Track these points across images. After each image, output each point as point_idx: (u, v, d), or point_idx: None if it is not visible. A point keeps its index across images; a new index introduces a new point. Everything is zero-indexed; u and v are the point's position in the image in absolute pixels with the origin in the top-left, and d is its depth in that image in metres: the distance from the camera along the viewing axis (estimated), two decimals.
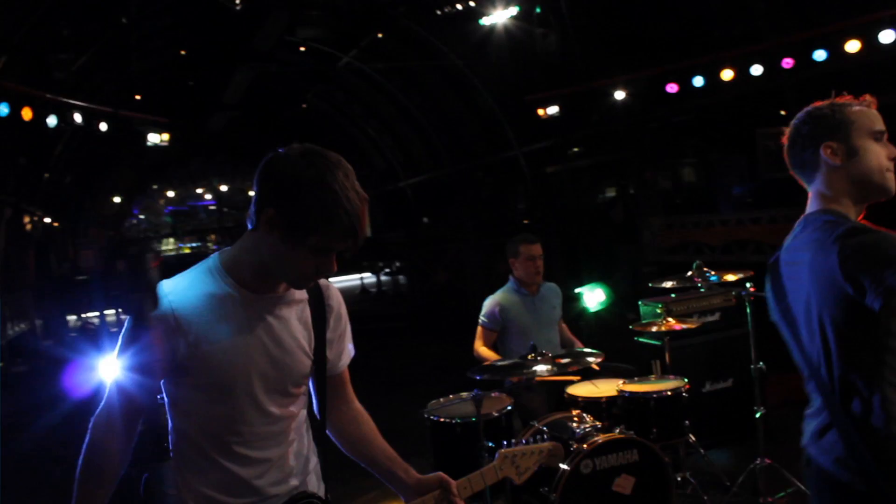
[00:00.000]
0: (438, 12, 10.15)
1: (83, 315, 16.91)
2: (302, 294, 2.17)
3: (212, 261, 2.11)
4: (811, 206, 2.32)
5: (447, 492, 2.33)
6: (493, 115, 14.76)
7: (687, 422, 4.65)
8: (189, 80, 16.90)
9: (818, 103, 2.35)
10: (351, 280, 20.31)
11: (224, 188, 24.98)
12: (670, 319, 5.34)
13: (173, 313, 1.99)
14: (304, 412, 2.26)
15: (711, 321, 6.32)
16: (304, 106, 19.91)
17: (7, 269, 13.01)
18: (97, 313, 16.78)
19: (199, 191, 24.12)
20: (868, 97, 2.31)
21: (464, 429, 4.61)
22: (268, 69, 15.28)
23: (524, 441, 3.20)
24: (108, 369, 5.20)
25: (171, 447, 2.17)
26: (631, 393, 4.67)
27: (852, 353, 2.10)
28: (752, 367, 4.84)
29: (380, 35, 14.59)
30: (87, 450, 2.04)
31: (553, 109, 9.79)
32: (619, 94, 9.42)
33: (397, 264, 18.26)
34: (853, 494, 2.09)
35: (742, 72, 8.61)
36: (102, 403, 2.08)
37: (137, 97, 16.88)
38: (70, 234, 19.51)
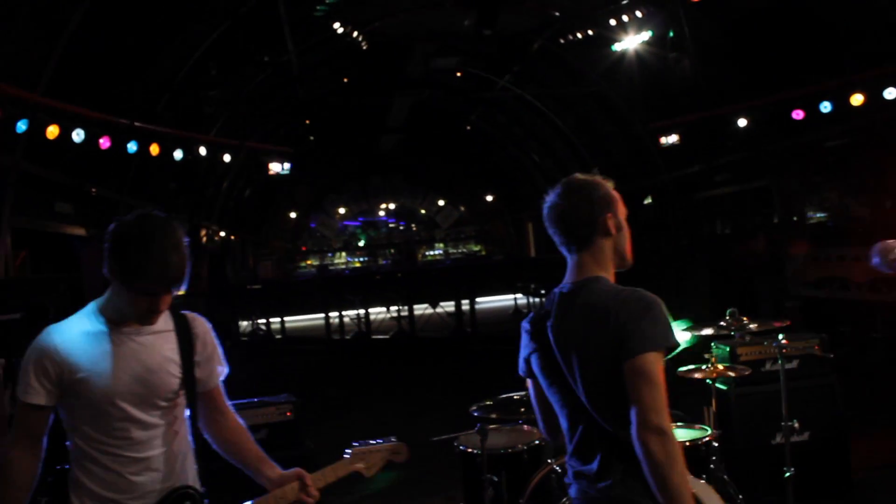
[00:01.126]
0: (562, 41, 10.20)
1: (256, 321, 18.53)
2: (167, 325, 2.63)
3: (91, 305, 2.59)
4: (583, 271, 2.50)
5: (304, 483, 2.73)
6: (640, 140, 14.49)
7: (703, 476, 4.42)
8: (356, 105, 18.05)
9: (581, 177, 2.60)
10: (505, 300, 20.56)
11: (392, 206, 26.31)
12: (719, 365, 5.09)
13: (57, 349, 2.48)
14: (182, 420, 2.66)
15: (788, 368, 5.89)
16: (469, 128, 20.54)
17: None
18: (266, 320, 18.42)
19: (372, 208, 25.58)
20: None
21: (484, 459, 4.72)
22: (422, 95, 15.99)
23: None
24: None
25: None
26: None
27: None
28: (783, 423, 4.52)
29: (527, 61, 14.85)
30: (1, 466, 2.51)
31: (673, 138, 9.50)
32: (742, 122, 8.97)
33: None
34: None
35: (873, 96, 7.92)
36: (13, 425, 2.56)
37: (307, 121, 18.39)
38: (251, 245, 21.51)
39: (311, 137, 19.97)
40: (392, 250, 26.16)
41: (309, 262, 25.24)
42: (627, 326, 2.29)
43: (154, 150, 7.18)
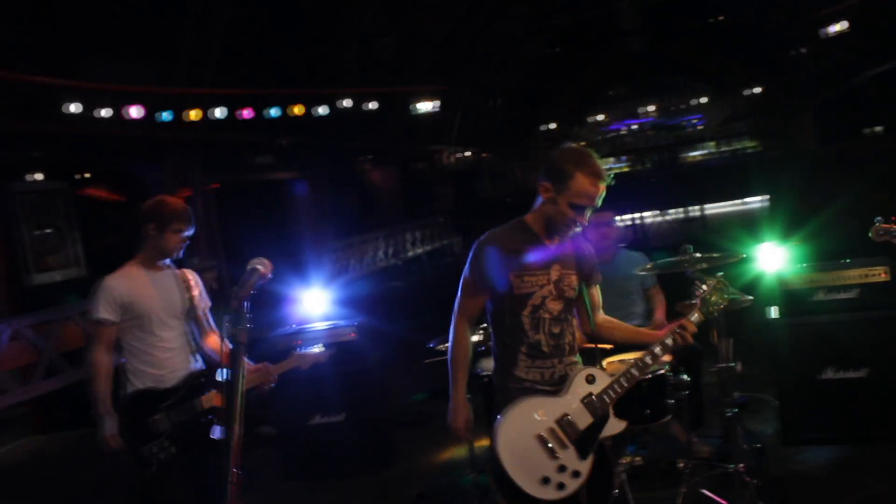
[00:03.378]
0: None
1: None
2: (174, 272, 4.18)
3: (131, 261, 4.10)
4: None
5: (267, 371, 4.14)
6: None
7: (648, 410, 4.57)
8: (588, 14, 17.86)
9: (565, 147, 3.27)
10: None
11: (651, 108, 25.32)
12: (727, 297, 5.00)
13: (117, 284, 3.99)
14: (190, 329, 4.18)
15: (844, 298, 5.43)
16: (721, 18, 19.06)
17: (427, 200, 16.34)
18: None
19: (634, 110, 24.91)
20: None
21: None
22: None
23: None
24: (314, 301, 7.13)
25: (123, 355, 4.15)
26: None
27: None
28: (721, 364, 4.46)
29: None
30: (92, 365, 4.07)
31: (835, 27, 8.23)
32: None
33: None
34: None
35: None
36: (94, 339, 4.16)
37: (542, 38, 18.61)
38: (518, 158, 22.58)
39: (557, 49, 20.19)
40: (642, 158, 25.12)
41: None
42: None
43: (299, 110, 8.51)
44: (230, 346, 2.28)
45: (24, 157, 8.02)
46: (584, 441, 3.15)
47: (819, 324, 5.41)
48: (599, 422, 3.19)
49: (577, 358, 3.39)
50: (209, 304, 4.37)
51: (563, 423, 3.14)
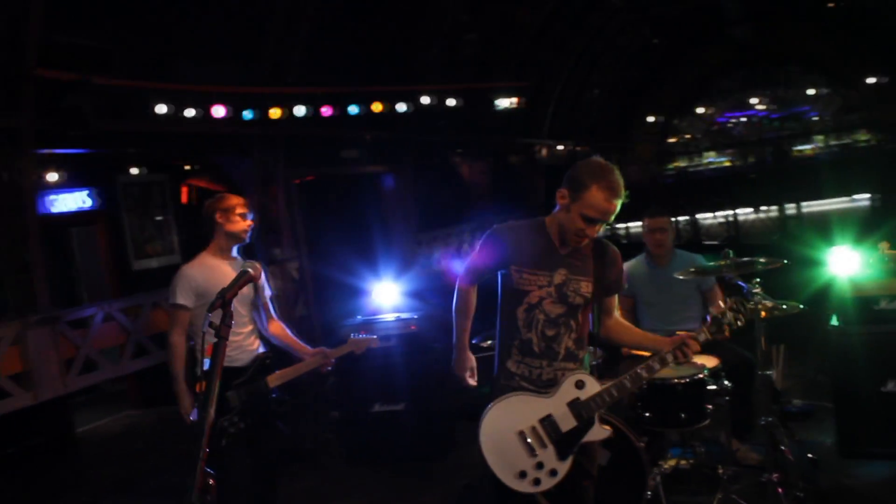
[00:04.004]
0: None
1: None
2: (242, 261, 4.41)
3: (203, 252, 4.39)
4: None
5: (325, 355, 4.45)
6: None
7: (683, 414, 4.55)
8: (687, 5, 17.39)
9: (590, 159, 3.29)
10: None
11: (759, 100, 24.22)
12: (767, 302, 4.91)
13: (193, 273, 4.32)
14: (256, 315, 4.52)
15: None
16: (832, 5, 18.07)
17: (518, 193, 16.39)
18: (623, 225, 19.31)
19: (741, 102, 23.90)
20: None
21: None
22: None
23: None
24: (388, 292, 7.40)
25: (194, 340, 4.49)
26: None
27: None
28: (760, 372, 4.38)
29: None
30: (170, 346, 4.43)
31: None
32: None
33: None
34: None
35: None
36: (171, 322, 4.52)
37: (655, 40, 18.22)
38: (617, 152, 22.22)
39: (655, 41, 19.71)
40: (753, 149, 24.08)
41: (676, 163, 24.96)
42: None
43: (376, 108, 8.78)
44: (214, 339, 2.49)
45: (123, 153, 8.67)
46: (565, 443, 3.23)
47: (882, 333, 5.21)
48: (583, 427, 3.25)
49: (577, 365, 3.41)
50: (272, 293, 4.67)
51: (546, 422, 3.23)
